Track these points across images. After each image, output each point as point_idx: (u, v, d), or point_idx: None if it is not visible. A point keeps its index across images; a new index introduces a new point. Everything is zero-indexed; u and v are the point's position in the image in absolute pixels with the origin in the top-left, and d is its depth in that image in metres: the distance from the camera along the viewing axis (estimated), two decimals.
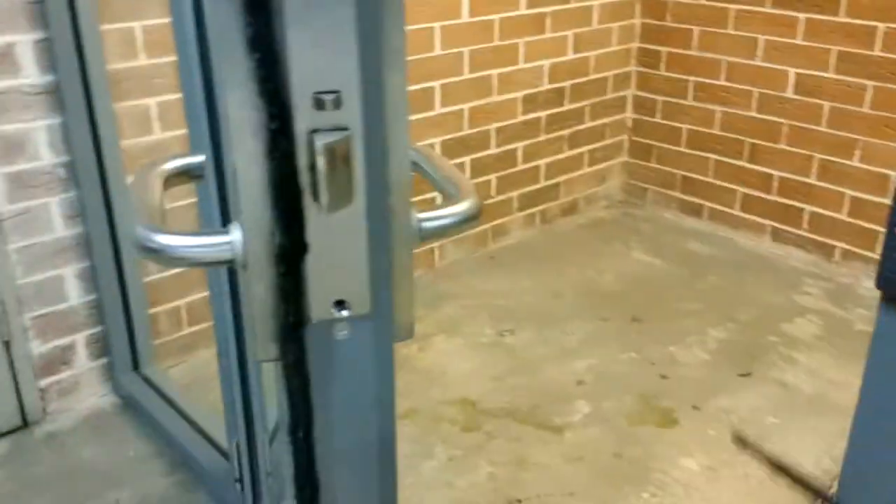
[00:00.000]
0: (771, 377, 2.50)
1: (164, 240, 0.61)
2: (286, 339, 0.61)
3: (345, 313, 0.62)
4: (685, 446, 2.19)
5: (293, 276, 0.60)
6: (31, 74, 2.04)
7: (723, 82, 3.35)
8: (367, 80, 0.59)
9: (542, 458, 2.16)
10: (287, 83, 0.56)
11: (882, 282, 0.74)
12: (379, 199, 0.62)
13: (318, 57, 0.56)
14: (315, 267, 0.61)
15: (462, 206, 0.68)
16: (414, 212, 0.66)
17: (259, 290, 0.61)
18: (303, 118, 0.57)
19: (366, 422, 0.66)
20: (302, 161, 0.58)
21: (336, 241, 0.61)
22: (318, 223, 0.60)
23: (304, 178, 0.58)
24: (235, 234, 0.61)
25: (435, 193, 0.77)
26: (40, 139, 2.09)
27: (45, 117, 2.09)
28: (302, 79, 0.56)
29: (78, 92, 2.09)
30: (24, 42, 2.01)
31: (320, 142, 0.57)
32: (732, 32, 3.26)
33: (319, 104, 0.57)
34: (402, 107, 0.62)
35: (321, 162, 0.57)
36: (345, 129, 0.58)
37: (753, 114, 3.30)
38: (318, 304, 0.62)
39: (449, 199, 0.71)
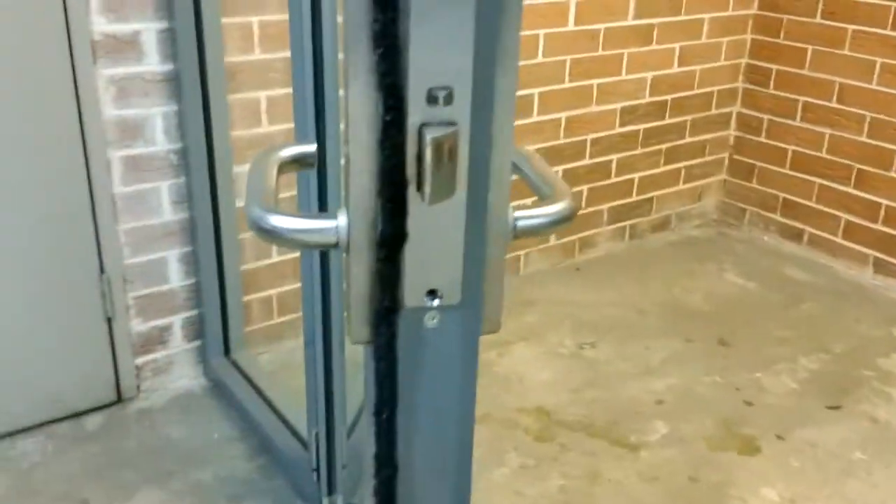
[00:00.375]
0: (862, 412, 2.40)
1: (276, 221, 0.65)
2: (379, 323, 0.64)
3: (436, 302, 0.65)
4: (766, 476, 2.13)
5: (391, 263, 0.63)
6: (152, 62, 2.15)
7: (834, 104, 3.24)
8: (479, 78, 0.61)
9: (615, 475, 2.13)
10: (405, 78, 0.59)
11: None
12: (479, 193, 0.64)
13: (435, 54, 0.59)
14: (413, 255, 0.64)
15: (556, 207, 0.70)
16: (510, 209, 0.68)
17: (358, 275, 0.64)
18: (415, 112, 0.60)
19: (447, 409, 0.69)
20: (410, 153, 0.61)
21: (435, 231, 0.63)
22: (420, 213, 0.62)
23: (411, 170, 0.61)
24: (342, 220, 0.64)
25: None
26: (156, 125, 2.21)
27: (162, 104, 2.20)
28: (419, 74, 0.59)
29: (195, 82, 2.19)
30: (149, 30, 2.12)
31: (429, 135, 0.60)
32: (848, 53, 3.15)
33: (432, 99, 0.60)
34: (510, 107, 0.64)
35: (428, 155, 0.59)
36: (453, 124, 0.61)
37: (864, 139, 3.17)
38: (411, 292, 0.65)
39: (544, 200, 0.72)
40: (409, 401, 0.68)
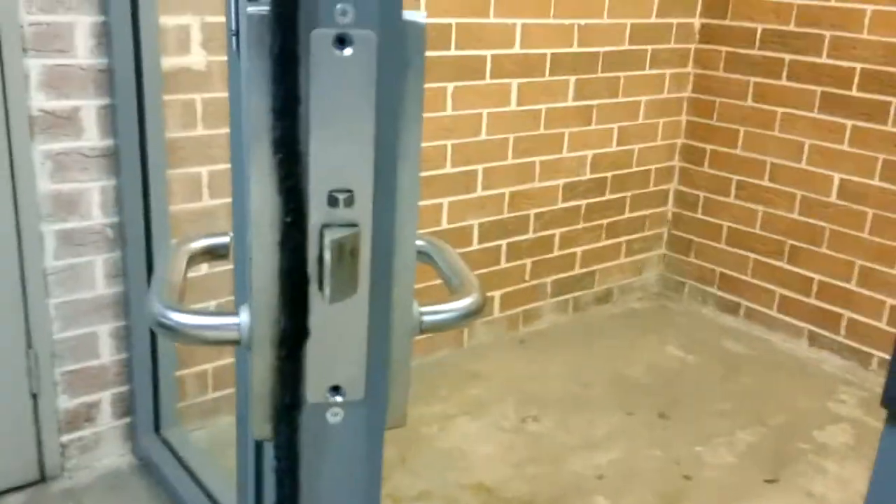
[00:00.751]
0: (799, 485, 2.42)
1: (176, 318, 0.64)
2: (280, 420, 0.64)
3: (339, 398, 0.65)
4: None
5: (293, 360, 0.63)
6: (92, 137, 2.15)
7: (766, 183, 3.36)
8: (379, 181, 0.63)
9: None
10: (305, 181, 0.60)
11: (888, 400, 0.73)
12: (382, 291, 0.65)
13: (335, 159, 0.60)
14: (314, 352, 0.64)
15: (464, 303, 0.71)
16: (415, 304, 0.69)
17: (260, 371, 0.64)
18: (316, 214, 0.61)
19: None
20: (311, 253, 0.62)
21: (337, 329, 0.64)
22: (321, 312, 0.63)
23: (312, 269, 0.62)
24: (244, 317, 0.64)
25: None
26: (93, 199, 2.19)
27: (100, 179, 2.18)
28: (319, 178, 0.61)
29: (135, 157, 2.19)
30: (88, 107, 2.12)
31: (330, 237, 0.61)
32: (778, 135, 3.29)
33: (333, 202, 0.61)
34: (412, 206, 0.66)
35: (328, 256, 0.60)
36: (354, 225, 0.62)
37: (795, 216, 3.29)
38: (314, 388, 0.65)
39: (453, 293, 0.73)
40: (312, 498, 0.67)
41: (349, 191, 0.61)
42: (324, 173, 0.61)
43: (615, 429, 2.69)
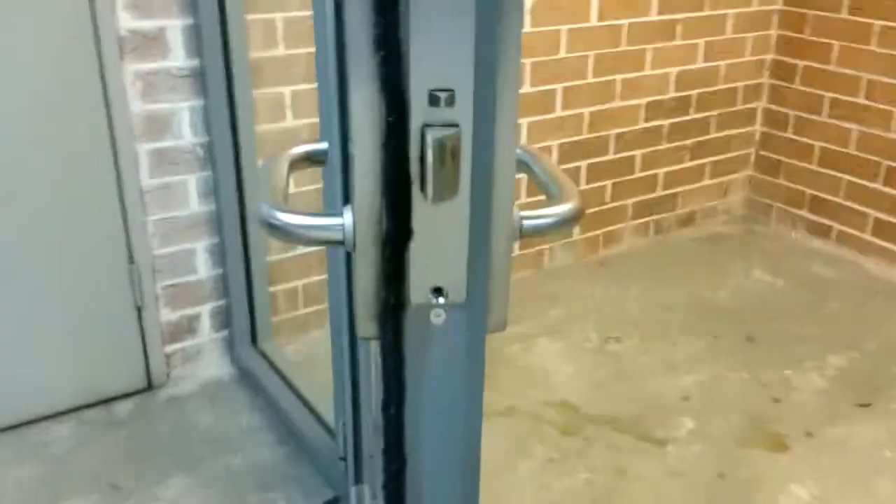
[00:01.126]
0: (893, 410, 2.37)
1: (284, 218, 0.66)
2: (386, 319, 0.66)
3: (441, 300, 0.66)
4: (795, 473, 2.12)
5: (396, 261, 0.65)
6: (178, 58, 2.19)
7: (861, 100, 3.19)
8: (480, 81, 0.62)
9: (642, 470, 2.13)
10: (406, 80, 0.60)
11: None
12: (482, 193, 0.65)
13: (436, 58, 0.60)
14: (417, 253, 0.65)
15: (563, 208, 0.71)
16: (516, 208, 0.69)
17: (364, 271, 0.66)
18: (417, 113, 0.61)
19: (455, 405, 0.70)
20: (413, 153, 0.62)
21: (439, 230, 0.65)
22: (424, 212, 0.64)
23: (414, 170, 0.62)
24: (348, 218, 0.66)
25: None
26: (183, 119, 2.24)
27: (188, 99, 2.23)
28: (420, 77, 0.60)
29: (220, 77, 2.22)
30: (174, 27, 2.16)
31: (431, 136, 0.61)
32: (876, 49, 3.10)
33: (434, 101, 0.61)
34: (512, 108, 0.65)
35: (430, 155, 0.61)
36: (455, 125, 0.62)
37: (893, 135, 3.12)
38: (417, 289, 0.66)
39: (551, 200, 0.73)
40: (416, 396, 0.70)
41: (450, 90, 0.61)
42: (425, 72, 0.60)
43: (700, 351, 2.67)
